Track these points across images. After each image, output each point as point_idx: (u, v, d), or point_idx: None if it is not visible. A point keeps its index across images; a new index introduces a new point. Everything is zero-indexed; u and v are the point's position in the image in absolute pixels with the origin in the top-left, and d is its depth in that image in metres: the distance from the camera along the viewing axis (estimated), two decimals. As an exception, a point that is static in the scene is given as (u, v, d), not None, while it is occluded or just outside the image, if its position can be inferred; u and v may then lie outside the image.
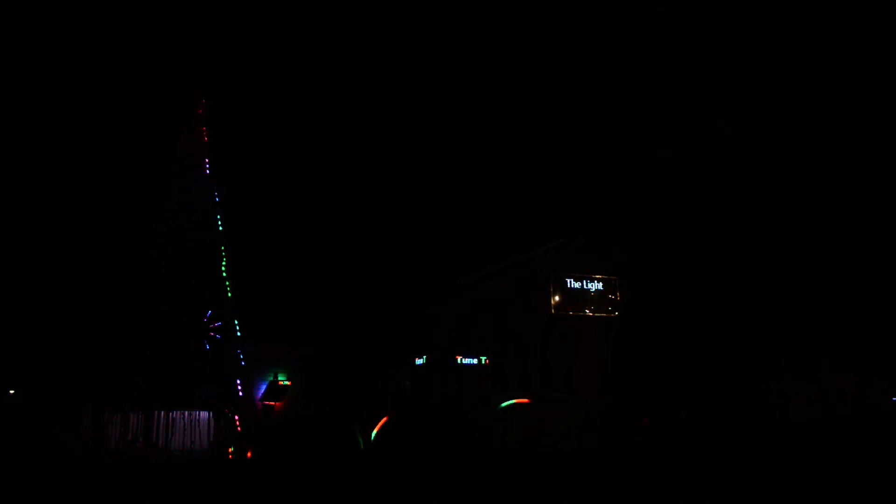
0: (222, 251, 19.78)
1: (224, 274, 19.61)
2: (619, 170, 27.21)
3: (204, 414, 18.38)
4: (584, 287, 21.64)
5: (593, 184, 27.12)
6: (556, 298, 21.44)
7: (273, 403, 20.45)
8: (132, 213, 22.41)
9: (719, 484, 15.29)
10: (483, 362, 20.41)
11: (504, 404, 19.82)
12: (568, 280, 21.56)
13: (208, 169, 20.24)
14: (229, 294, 19.57)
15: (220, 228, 19.98)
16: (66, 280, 22.11)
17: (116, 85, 26.63)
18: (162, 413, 17.88)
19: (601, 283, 21.75)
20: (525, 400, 19.94)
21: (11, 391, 20.08)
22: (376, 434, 18.12)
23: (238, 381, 18.81)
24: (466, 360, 20.37)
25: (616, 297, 21.76)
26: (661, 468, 17.13)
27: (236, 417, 18.40)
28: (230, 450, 17.88)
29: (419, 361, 21.01)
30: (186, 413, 18.12)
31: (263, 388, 20.80)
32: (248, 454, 18.12)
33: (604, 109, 29.23)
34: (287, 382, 20.93)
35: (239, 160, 24.59)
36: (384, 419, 18.24)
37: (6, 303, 21.59)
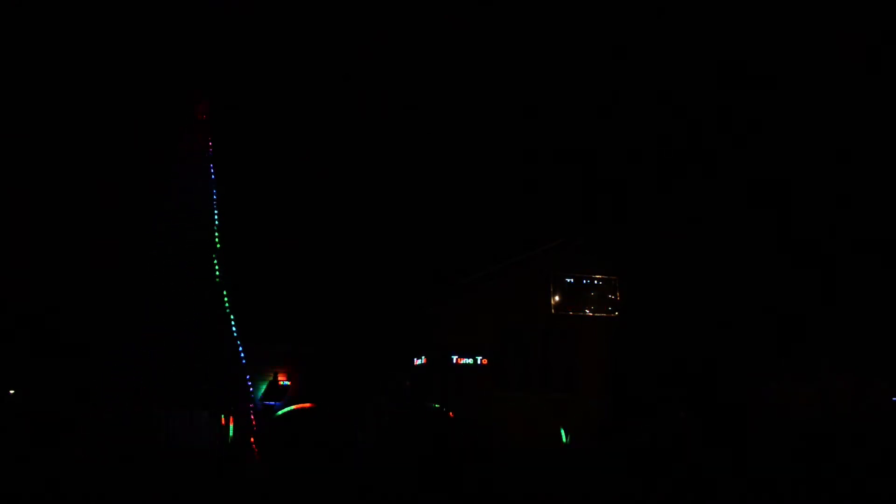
0: (222, 251, 19.78)
1: (224, 274, 19.60)
2: (619, 170, 27.22)
3: (204, 414, 18.37)
4: (584, 287, 21.65)
5: (593, 184, 27.13)
6: (556, 298, 21.44)
7: (273, 403, 20.45)
8: (132, 213, 22.41)
9: (719, 483, 15.29)
10: (479, 362, 20.42)
11: None
12: (568, 280, 21.56)
13: (209, 169, 20.23)
14: (229, 294, 19.56)
15: (221, 228, 19.97)
16: (66, 280, 22.11)
17: (117, 85, 26.63)
18: (162, 413, 17.88)
19: (601, 283, 21.75)
20: None
21: (11, 391, 20.07)
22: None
23: (248, 383, 18.83)
24: (466, 360, 20.38)
25: (616, 297, 21.76)
26: (660, 468, 17.12)
27: (252, 418, 18.43)
28: (255, 450, 17.91)
29: (419, 361, 21.02)
30: (187, 413, 18.11)
31: (263, 388, 20.80)
32: (255, 452, 18.12)
33: (604, 109, 29.23)
34: (287, 382, 20.93)
35: (239, 160, 24.60)
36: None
37: (6, 303, 21.58)
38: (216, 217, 19.89)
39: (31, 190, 24.19)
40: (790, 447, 18.49)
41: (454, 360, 20.38)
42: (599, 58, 30.38)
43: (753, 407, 20.62)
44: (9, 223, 23.61)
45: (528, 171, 28.92)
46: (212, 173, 20.20)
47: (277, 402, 20.45)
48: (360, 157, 28.05)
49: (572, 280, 21.57)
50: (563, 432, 19.97)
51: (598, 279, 21.74)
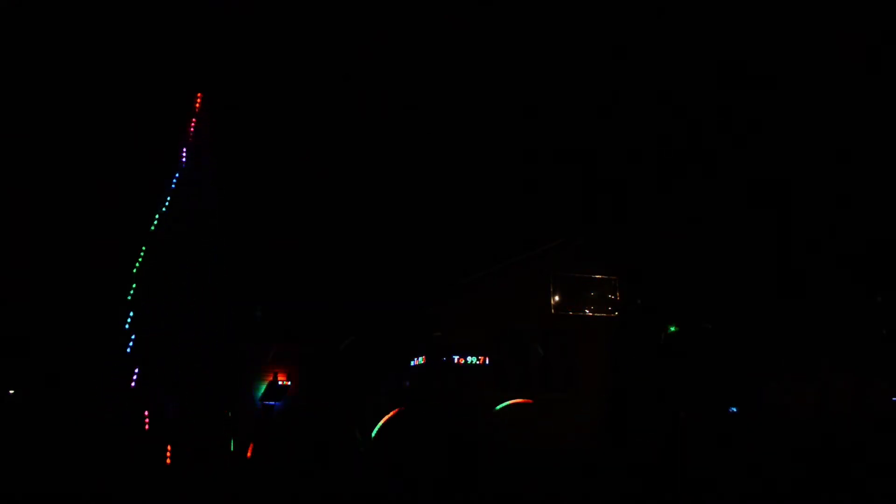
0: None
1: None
2: (619, 170, 27.21)
3: (205, 413, 18.38)
4: (584, 287, 21.64)
5: (593, 184, 27.11)
6: (556, 298, 21.43)
7: (273, 403, 20.45)
8: (132, 212, 22.41)
9: (719, 483, 15.30)
10: (477, 362, 20.40)
11: (502, 405, 19.79)
12: (568, 280, 21.56)
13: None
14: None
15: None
16: (66, 280, 22.11)
17: (117, 84, 26.63)
18: (162, 412, 17.90)
19: (601, 283, 21.74)
20: (527, 400, 19.90)
21: (11, 391, 20.08)
22: (380, 428, 18.14)
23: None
24: (466, 360, 20.37)
25: (616, 297, 21.75)
26: (660, 468, 17.13)
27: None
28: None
29: (419, 361, 21.02)
30: (187, 412, 18.12)
31: (263, 388, 20.79)
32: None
33: (604, 109, 29.23)
34: (287, 382, 20.92)
35: (239, 159, 24.59)
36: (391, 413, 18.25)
37: (5, 302, 21.59)
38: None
39: (30, 190, 24.22)
40: (790, 447, 18.50)
41: (454, 361, 20.37)
42: (599, 58, 30.37)
43: (753, 407, 20.61)
44: (8, 223, 23.62)
45: (528, 171, 28.93)
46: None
47: (277, 403, 20.45)
48: (359, 157, 28.06)
49: (572, 280, 21.56)
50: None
51: (598, 279, 21.72)
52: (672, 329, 20.10)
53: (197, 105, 20.26)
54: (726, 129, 26.64)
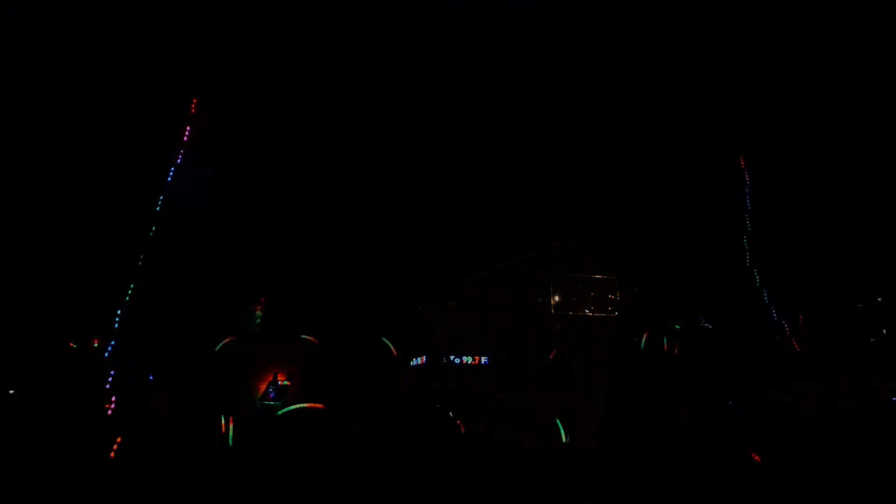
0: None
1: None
2: (619, 170, 27.24)
3: (203, 412, 18.38)
4: (584, 287, 21.66)
5: (593, 184, 27.14)
6: (556, 298, 21.45)
7: (273, 403, 20.46)
8: (132, 211, 22.40)
9: (719, 483, 15.30)
10: (475, 361, 20.42)
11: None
12: (568, 280, 21.58)
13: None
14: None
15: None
16: (66, 279, 22.11)
17: (116, 83, 26.62)
18: (162, 411, 17.91)
19: (601, 283, 21.75)
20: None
21: (11, 391, 20.08)
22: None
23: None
24: (466, 360, 20.39)
25: (616, 297, 21.77)
26: (659, 468, 17.13)
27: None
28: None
29: (418, 361, 21.04)
30: (187, 411, 18.14)
31: (263, 388, 20.81)
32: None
33: (604, 109, 29.26)
34: (287, 382, 20.94)
35: (238, 159, 24.58)
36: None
37: (4, 302, 21.58)
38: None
39: (29, 189, 24.20)
40: (790, 447, 18.50)
41: (454, 361, 20.38)
42: (600, 57, 30.41)
43: (753, 407, 20.62)
44: (7, 221, 23.61)
45: (527, 171, 28.96)
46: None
47: (277, 403, 20.46)
48: (360, 155, 28.08)
49: (572, 280, 21.58)
50: (561, 429, 19.95)
51: (598, 279, 21.74)
52: (674, 328, 20.14)
53: (192, 108, 20.28)
54: (725, 128, 26.69)
